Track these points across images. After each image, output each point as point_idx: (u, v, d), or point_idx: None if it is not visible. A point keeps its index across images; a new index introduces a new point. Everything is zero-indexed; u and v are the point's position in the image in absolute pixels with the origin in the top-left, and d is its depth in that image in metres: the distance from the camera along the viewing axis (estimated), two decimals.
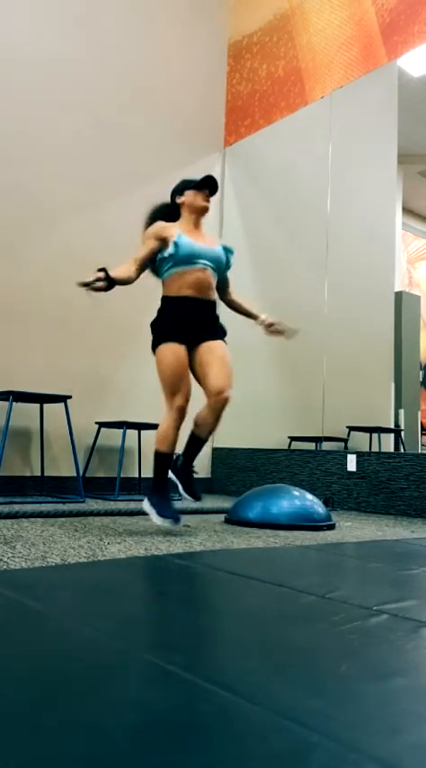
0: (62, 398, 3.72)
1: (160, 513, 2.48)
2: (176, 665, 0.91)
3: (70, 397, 3.76)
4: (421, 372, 4.59)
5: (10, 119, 4.15)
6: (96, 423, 4.26)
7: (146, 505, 2.55)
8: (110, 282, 2.43)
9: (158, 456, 2.56)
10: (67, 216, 4.36)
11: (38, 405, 4.09)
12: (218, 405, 2.58)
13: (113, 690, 0.81)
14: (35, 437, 4.10)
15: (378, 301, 4.27)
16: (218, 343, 2.65)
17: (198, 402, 2.66)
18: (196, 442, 2.67)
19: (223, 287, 2.82)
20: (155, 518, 2.48)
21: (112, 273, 2.45)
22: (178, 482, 2.64)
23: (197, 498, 2.64)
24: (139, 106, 4.83)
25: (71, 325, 4.32)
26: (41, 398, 3.72)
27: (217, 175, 5.34)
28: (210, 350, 2.61)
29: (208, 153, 5.27)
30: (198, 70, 5.26)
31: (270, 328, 2.83)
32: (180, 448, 2.70)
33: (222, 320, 2.79)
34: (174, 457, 2.69)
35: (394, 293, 4.25)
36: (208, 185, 2.72)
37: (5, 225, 4.09)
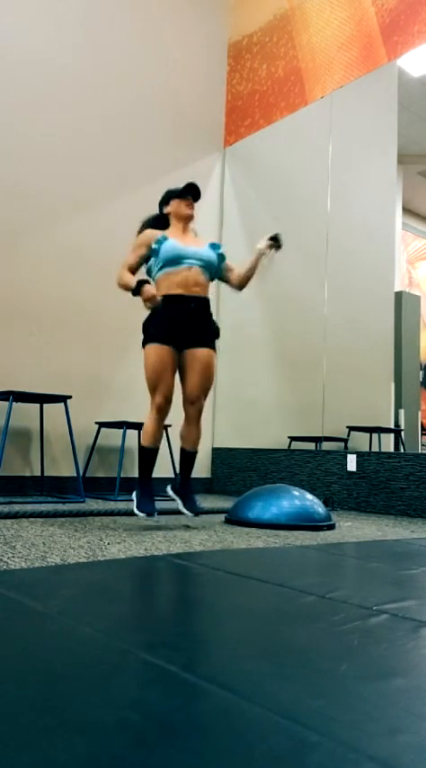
0: (62, 398, 3.72)
1: (138, 507, 2.68)
2: (176, 665, 0.90)
3: (70, 397, 3.76)
4: (421, 372, 4.59)
5: (10, 119, 4.15)
6: (96, 423, 4.26)
7: (133, 494, 2.77)
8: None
9: (142, 450, 2.75)
10: (68, 215, 4.36)
11: (38, 405, 4.09)
12: (192, 412, 2.76)
13: (113, 690, 0.81)
14: (35, 437, 4.10)
15: (378, 301, 4.27)
16: (205, 351, 2.74)
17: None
18: (186, 457, 2.85)
19: (227, 278, 2.89)
20: (135, 508, 2.70)
21: (132, 281, 2.63)
22: (178, 500, 2.82)
23: (196, 514, 2.79)
24: (139, 106, 4.83)
25: (71, 326, 4.32)
26: (41, 398, 3.72)
27: (217, 175, 5.34)
28: (194, 357, 2.73)
29: (207, 153, 5.27)
30: (198, 70, 5.26)
31: (266, 250, 2.83)
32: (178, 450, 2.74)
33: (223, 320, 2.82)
34: (175, 475, 2.88)
35: (394, 293, 4.25)
36: (190, 192, 2.77)
37: (5, 225, 4.09)
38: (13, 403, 3.93)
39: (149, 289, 2.56)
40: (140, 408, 4.44)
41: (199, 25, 5.30)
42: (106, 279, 4.43)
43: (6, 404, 3.81)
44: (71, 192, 4.39)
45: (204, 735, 0.68)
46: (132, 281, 2.64)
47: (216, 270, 2.82)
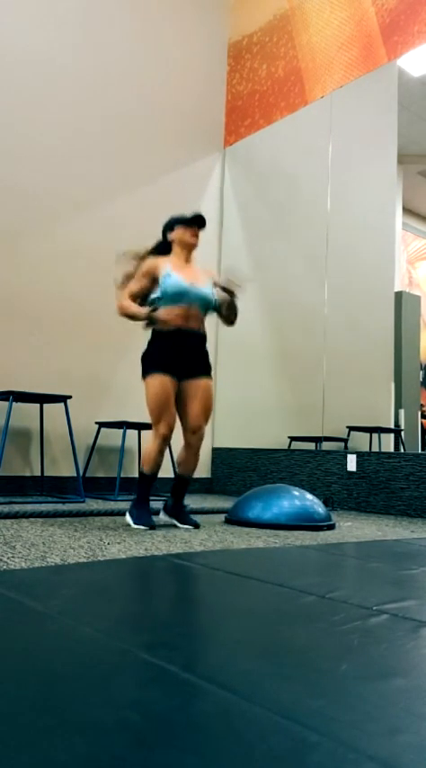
0: (62, 398, 3.72)
1: (137, 521, 2.67)
2: (176, 665, 0.91)
3: (70, 397, 3.76)
4: (421, 372, 4.59)
5: (10, 119, 4.15)
6: (96, 423, 4.26)
7: (127, 517, 2.75)
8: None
9: (141, 476, 2.75)
10: (68, 216, 4.36)
11: (38, 405, 4.09)
12: (194, 441, 2.78)
13: (113, 690, 0.81)
14: (35, 437, 4.10)
15: (378, 301, 4.27)
16: (204, 381, 2.78)
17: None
18: (181, 482, 2.86)
19: (220, 313, 2.89)
20: (133, 524, 2.67)
21: (140, 310, 2.67)
22: (174, 521, 2.82)
23: (194, 526, 2.78)
24: (139, 106, 4.83)
25: (71, 326, 4.32)
26: (41, 398, 3.72)
27: (217, 175, 5.34)
28: (196, 387, 2.76)
29: (207, 153, 5.27)
30: (198, 70, 5.26)
31: (225, 289, 2.77)
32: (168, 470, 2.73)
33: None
34: (165, 501, 2.92)
35: (394, 293, 4.25)
36: (196, 222, 2.78)
37: (5, 225, 4.09)
38: (13, 403, 3.93)
39: (162, 313, 2.64)
40: (140, 408, 4.43)
41: (199, 25, 5.30)
42: (107, 279, 4.43)
43: (6, 404, 3.81)
44: (71, 192, 4.39)
45: (204, 735, 0.68)
46: (140, 310, 2.66)
47: (211, 307, 2.83)
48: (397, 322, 4.24)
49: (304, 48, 4.91)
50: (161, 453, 2.69)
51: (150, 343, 2.75)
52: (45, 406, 4.11)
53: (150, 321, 2.64)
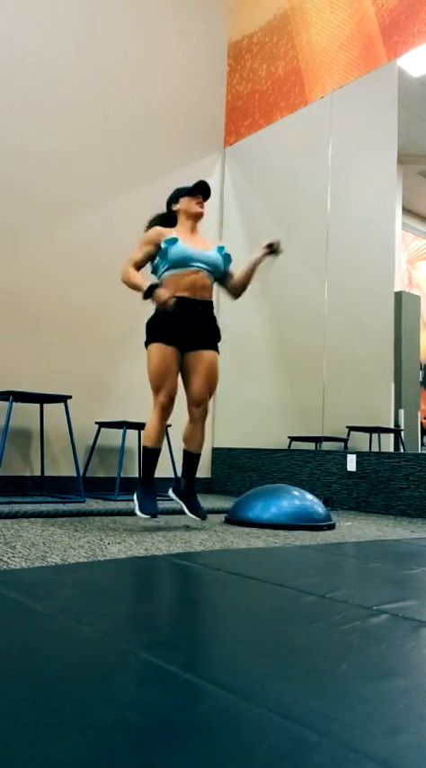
0: (62, 398, 3.72)
1: (141, 509, 2.64)
2: (176, 665, 0.91)
3: (70, 397, 3.76)
4: (421, 372, 4.59)
5: (10, 119, 4.15)
6: (96, 423, 4.26)
7: (134, 498, 2.73)
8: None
9: (144, 451, 2.72)
10: (68, 216, 4.36)
11: (38, 405, 4.09)
12: (198, 414, 2.75)
13: (113, 689, 0.81)
14: (35, 437, 4.10)
15: (378, 301, 4.27)
16: (209, 353, 2.75)
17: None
18: (190, 459, 2.83)
19: (226, 284, 2.88)
20: (137, 510, 2.65)
21: (144, 282, 2.63)
22: (182, 504, 2.80)
23: (202, 518, 2.75)
24: (140, 106, 4.83)
25: (71, 326, 4.32)
26: (41, 398, 3.72)
27: (217, 175, 5.34)
28: (199, 359, 2.73)
29: (208, 153, 5.27)
30: (198, 70, 5.26)
31: (265, 255, 2.80)
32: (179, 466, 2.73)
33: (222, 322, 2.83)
34: (177, 479, 2.82)
35: (394, 293, 4.25)
36: (200, 190, 2.76)
37: (5, 225, 4.09)
38: (14, 403, 3.93)
39: (163, 293, 2.57)
40: (140, 408, 4.44)
41: (199, 25, 5.30)
42: (106, 279, 4.44)
43: (6, 404, 3.81)
44: (71, 192, 4.39)
45: (204, 735, 0.68)
46: (143, 282, 2.62)
47: (222, 273, 2.81)
48: (397, 322, 4.24)
49: (304, 48, 4.91)
50: (161, 423, 2.65)
51: (156, 311, 2.70)
52: (45, 406, 4.11)
53: (149, 295, 2.59)
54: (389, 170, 4.28)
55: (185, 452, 2.83)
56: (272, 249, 2.79)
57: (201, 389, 2.72)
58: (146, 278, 2.69)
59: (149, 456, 2.70)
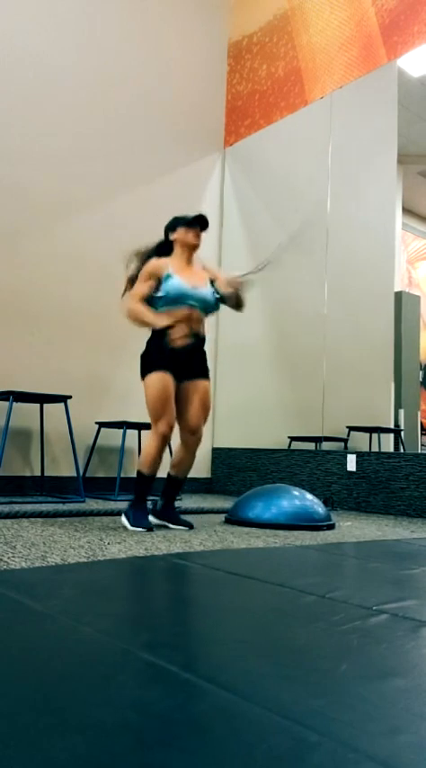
0: (62, 398, 3.72)
1: (134, 524, 2.61)
2: (176, 665, 0.91)
3: (70, 397, 3.76)
4: (421, 372, 4.59)
5: (10, 119, 4.15)
6: (96, 423, 4.26)
7: (122, 519, 2.69)
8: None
9: (139, 476, 2.70)
10: (68, 216, 4.36)
11: (38, 405, 4.09)
12: (192, 441, 2.76)
13: (113, 689, 0.81)
14: (35, 437, 4.10)
15: (378, 301, 4.27)
16: (204, 382, 2.78)
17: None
18: (174, 484, 2.82)
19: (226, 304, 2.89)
20: (130, 527, 2.61)
21: (156, 320, 2.66)
22: (166, 523, 2.77)
23: (189, 527, 2.74)
24: (140, 106, 4.83)
25: (71, 326, 4.32)
26: (41, 398, 3.72)
27: (217, 175, 5.34)
28: (194, 388, 2.75)
29: (208, 153, 5.27)
30: (198, 70, 5.26)
31: (231, 287, 2.77)
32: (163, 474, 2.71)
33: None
34: (153, 503, 2.84)
35: (394, 293, 4.25)
36: (199, 223, 2.77)
37: (6, 225, 4.09)
38: (14, 403, 3.93)
39: (177, 332, 2.60)
40: (140, 408, 4.43)
41: (199, 25, 5.30)
42: (106, 279, 4.43)
43: (6, 404, 3.81)
44: (71, 192, 4.39)
45: (204, 735, 0.68)
46: (154, 320, 2.63)
47: (211, 310, 2.82)
48: (397, 322, 4.24)
49: (304, 48, 4.91)
50: (160, 453, 2.65)
51: (149, 343, 2.73)
52: (45, 406, 4.11)
53: (162, 333, 2.62)
54: (389, 170, 4.28)
55: (170, 477, 2.81)
56: (233, 293, 2.74)
57: (198, 417, 2.75)
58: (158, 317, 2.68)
59: (145, 482, 2.69)
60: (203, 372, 2.79)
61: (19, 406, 4.01)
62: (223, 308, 2.88)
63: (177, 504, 3.04)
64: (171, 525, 2.75)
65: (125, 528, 2.62)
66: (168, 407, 2.63)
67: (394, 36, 4.25)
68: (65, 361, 4.27)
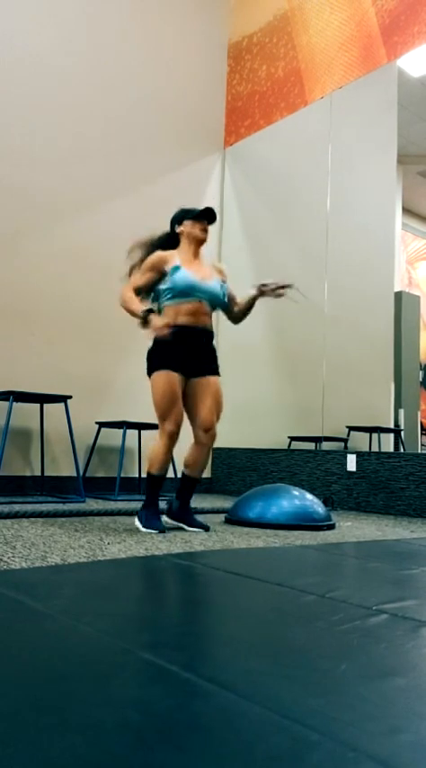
0: (62, 398, 3.72)
1: (146, 526, 2.59)
2: (176, 665, 0.91)
3: (70, 397, 3.76)
4: (421, 372, 4.59)
5: (10, 119, 4.15)
6: (96, 423, 4.26)
7: (136, 521, 2.67)
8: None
9: (150, 477, 2.67)
10: (68, 215, 4.36)
11: (38, 405, 4.09)
12: (206, 439, 2.69)
13: (113, 689, 0.81)
14: (35, 437, 4.10)
15: (378, 301, 4.27)
16: (213, 378, 2.72)
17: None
18: (188, 483, 2.76)
19: (228, 310, 2.85)
20: (142, 529, 2.59)
21: (139, 308, 2.57)
22: (181, 524, 2.74)
23: (205, 529, 2.70)
24: (140, 106, 4.83)
25: (71, 326, 4.32)
26: (41, 398, 3.72)
27: (217, 175, 5.34)
28: (205, 385, 2.69)
29: (208, 153, 5.27)
30: (198, 71, 5.27)
31: (267, 291, 2.75)
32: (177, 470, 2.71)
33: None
34: (168, 503, 2.81)
35: (394, 293, 4.25)
36: (206, 216, 2.73)
37: (5, 225, 4.09)
38: (14, 403, 3.93)
39: (158, 321, 2.50)
40: (140, 408, 4.43)
41: (199, 26, 5.30)
42: (106, 279, 4.43)
43: (6, 404, 3.81)
44: (71, 192, 4.40)
45: (204, 734, 0.68)
46: (139, 309, 2.56)
47: (220, 303, 2.78)
48: (397, 322, 4.24)
49: (304, 48, 4.91)
50: (168, 452, 2.61)
51: (155, 340, 2.66)
52: (45, 406, 4.11)
53: (144, 323, 2.54)
54: (389, 170, 4.28)
55: (185, 476, 2.76)
56: (264, 292, 2.72)
57: (210, 414, 2.68)
58: (142, 306, 2.63)
59: (155, 482, 2.66)
60: (213, 369, 2.73)
61: (19, 406, 4.01)
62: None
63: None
64: (186, 527, 2.70)
65: (138, 530, 2.59)
66: (175, 406, 2.58)
67: (394, 36, 4.25)
68: (65, 361, 4.27)
